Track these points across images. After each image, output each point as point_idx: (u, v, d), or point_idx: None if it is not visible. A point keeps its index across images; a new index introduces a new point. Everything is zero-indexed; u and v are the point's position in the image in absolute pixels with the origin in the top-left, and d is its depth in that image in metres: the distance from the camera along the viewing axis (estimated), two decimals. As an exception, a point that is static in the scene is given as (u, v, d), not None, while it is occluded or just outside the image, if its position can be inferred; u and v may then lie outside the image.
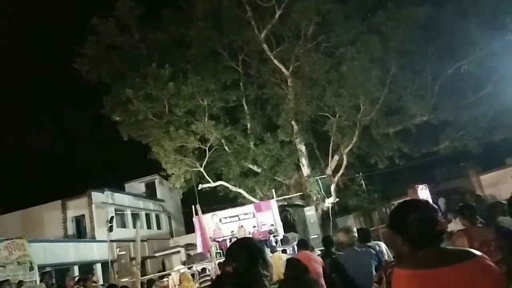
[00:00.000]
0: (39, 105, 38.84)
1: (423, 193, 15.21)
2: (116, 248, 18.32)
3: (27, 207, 21.99)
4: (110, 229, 17.28)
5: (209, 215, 17.60)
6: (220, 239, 16.70)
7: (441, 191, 18.64)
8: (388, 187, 21.57)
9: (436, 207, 1.72)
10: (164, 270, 21.33)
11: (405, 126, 17.57)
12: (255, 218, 17.33)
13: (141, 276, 11.99)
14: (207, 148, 17.84)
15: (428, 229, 1.62)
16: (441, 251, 1.62)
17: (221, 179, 18.89)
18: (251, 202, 18.41)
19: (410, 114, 17.05)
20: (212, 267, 12.48)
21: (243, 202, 19.18)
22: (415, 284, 1.57)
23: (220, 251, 15.12)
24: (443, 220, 1.67)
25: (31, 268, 12.15)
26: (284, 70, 17.83)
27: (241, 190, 18.74)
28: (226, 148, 18.58)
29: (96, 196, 22.38)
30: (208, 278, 11.05)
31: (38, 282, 12.06)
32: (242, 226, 16.73)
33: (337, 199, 18.22)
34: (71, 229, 22.29)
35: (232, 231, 16.73)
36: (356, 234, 4.31)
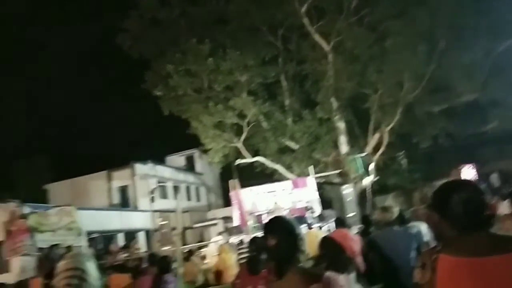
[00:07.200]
0: (84, 82, 40.44)
1: (469, 173, 14.65)
2: (158, 218, 19.13)
3: (75, 176, 23.26)
4: (152, 199, 18.00)
5: (247, 189, 17.85)
6: (256, 214, 16.96)
7: (487, 172, 17.88)
8: (430, 167, 20.85)
9: (482, 189, 1.60)
10: (203, 241, 22.05)
11: (451, 104, 16.84)
12: (292, 194, 17.41)
13: (181, 245, 12.48)
14: (245, 124, 17.95)
15: (476, 212, 1.52)
16: (492, 237, 1.51)
17: (258, 155, 19.03)
18: (287, 178, 18.48)
19: (457, 92, 16.28)
20: (248, 240, 12.73)
21: (279, 178, 19.27)
22: (464, 272, 1.46)
23: (257, 225, 15.37)
24: (492, 202, 1.57)
25: (79, 234, 12.89)
26: (324, 45, 17.39)
27: (278, 167, 18.81)
28: (264, 124, 18.62)
29: (139, 168, 23.29)
30: (245, 250, 11.32)
31: (86, 247, 12.78)
32: (276, 203, 16.87)
33: (376, 178, 17.93)
34: (116, 198, 23.42)
35: (268, 207, 16.91)
36: (394, 214, 4.25)
